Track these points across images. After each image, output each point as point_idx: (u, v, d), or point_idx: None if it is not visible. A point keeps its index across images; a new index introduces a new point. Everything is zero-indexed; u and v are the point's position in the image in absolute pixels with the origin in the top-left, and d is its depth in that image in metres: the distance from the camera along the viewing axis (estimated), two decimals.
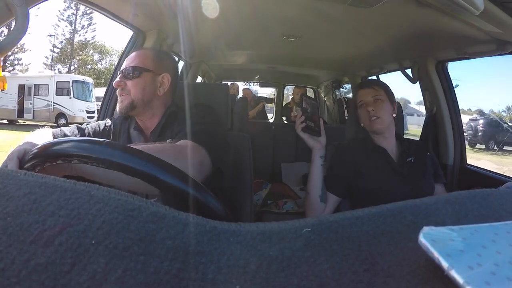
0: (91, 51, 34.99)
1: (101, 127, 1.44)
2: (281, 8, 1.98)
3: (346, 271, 0.35)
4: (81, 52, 34.16)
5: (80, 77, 17.96)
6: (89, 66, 34.33)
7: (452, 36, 1.81)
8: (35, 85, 16.99)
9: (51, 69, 29.22)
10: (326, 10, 1.88)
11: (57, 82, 16.41)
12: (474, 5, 1.21)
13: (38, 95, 17.09)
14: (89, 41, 34.49)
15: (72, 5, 32.83)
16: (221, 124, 1.46)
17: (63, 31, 33.73)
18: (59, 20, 33.17)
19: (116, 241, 0.34)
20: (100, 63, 35.45)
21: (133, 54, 1.42)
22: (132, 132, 1.42)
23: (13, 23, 0.95)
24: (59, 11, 33.41)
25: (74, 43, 33.83)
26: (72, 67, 33.41)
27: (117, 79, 1.35)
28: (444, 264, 0.31)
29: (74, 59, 33.95)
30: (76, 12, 33.07)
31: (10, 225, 0.33)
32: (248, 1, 1.92)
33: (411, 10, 1.64)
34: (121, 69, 1.38)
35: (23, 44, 30.72)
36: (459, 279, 0.29)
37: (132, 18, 1.93)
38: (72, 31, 33.60)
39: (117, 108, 1.37)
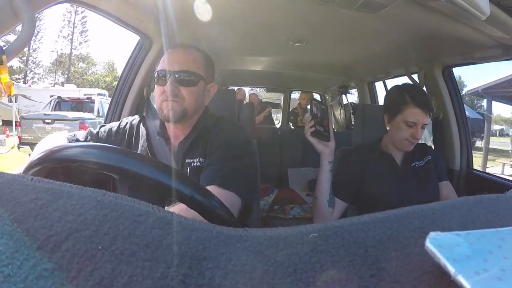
0: (84, 65, 39.33)
1: (114, 129, 1.36)
2: (287, 13, 1.98)
3: (353, 277, 0.35)
4: (77, 64, 38.49)
5: (102, 91, 20.28)
6: (83, 77, 38.10)
7: (459, 41, 1.81)
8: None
9: (54, 78, 34.85)
10: (333, 15, 1.88)
11: (84, 94, 17.69)
12: (480, 10, 1.20)
13: None
14: (84, 55, 38.96)
15: (71, 24, 37.49)
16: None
17: (61, 46, 38.07)
18: (58, 37, 37.68)
19: (123, 246, 0.34)
20: (87, 73, 39.34)
21: (185, 54, 1.26)
22: (155, 138, 1.32)
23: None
24: (59, 28, 38.92)
25: (72, 56, 38.07)
26: (67, 77, 37.30)
27: (169, 83, 1.18)
28: (451, 270, 0.31)
29: (71, 71, 37.93)
30: (73, 30, 37.53)
31: (17, 230, 0.33)
32: (253, 6, 1.92)
33: (418, 15, 1.64)
34: (170, 69, 1.20)
35: (40, 61, 36.00)
36: (465, 284, 0.29)
37: (139, 24, 1.94)
38: (69, 45, 37.96)
39: (164, 114, 1.22)
